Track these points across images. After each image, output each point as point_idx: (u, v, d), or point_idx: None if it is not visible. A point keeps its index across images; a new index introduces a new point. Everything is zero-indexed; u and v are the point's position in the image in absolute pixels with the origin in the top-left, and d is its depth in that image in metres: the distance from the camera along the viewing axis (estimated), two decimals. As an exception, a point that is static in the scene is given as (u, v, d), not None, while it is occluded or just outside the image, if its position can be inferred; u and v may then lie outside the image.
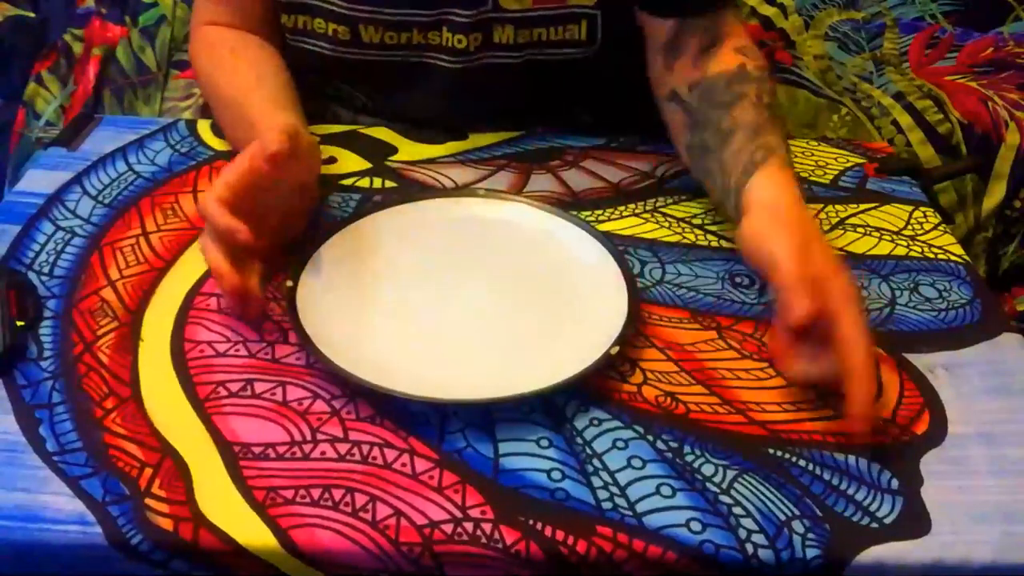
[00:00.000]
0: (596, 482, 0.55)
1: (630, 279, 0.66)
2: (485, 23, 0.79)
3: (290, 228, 0.70)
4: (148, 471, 0.54)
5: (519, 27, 0.79)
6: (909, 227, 0.78)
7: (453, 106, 0.86)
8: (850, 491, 0.55)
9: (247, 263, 0.64)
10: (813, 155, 0.88)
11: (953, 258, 0.75)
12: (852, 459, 0.57)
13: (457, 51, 0.80)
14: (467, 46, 0.80)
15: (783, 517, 0.53)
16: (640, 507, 0.53)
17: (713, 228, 0.77)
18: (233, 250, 0.62)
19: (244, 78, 0.78)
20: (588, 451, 0.56)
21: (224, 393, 0.59)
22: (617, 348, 0.60)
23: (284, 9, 0.81)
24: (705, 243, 0.75)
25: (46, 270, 0.69)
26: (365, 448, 0.56)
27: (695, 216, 0.78)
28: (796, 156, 0.87)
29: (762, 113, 0.71)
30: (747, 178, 0.66)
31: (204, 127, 0.87)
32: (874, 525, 0.53)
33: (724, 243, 0.75)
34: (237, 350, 0.62)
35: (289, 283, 0.65)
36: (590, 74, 0.83)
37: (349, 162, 0.82)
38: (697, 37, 0.77)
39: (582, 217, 0.74)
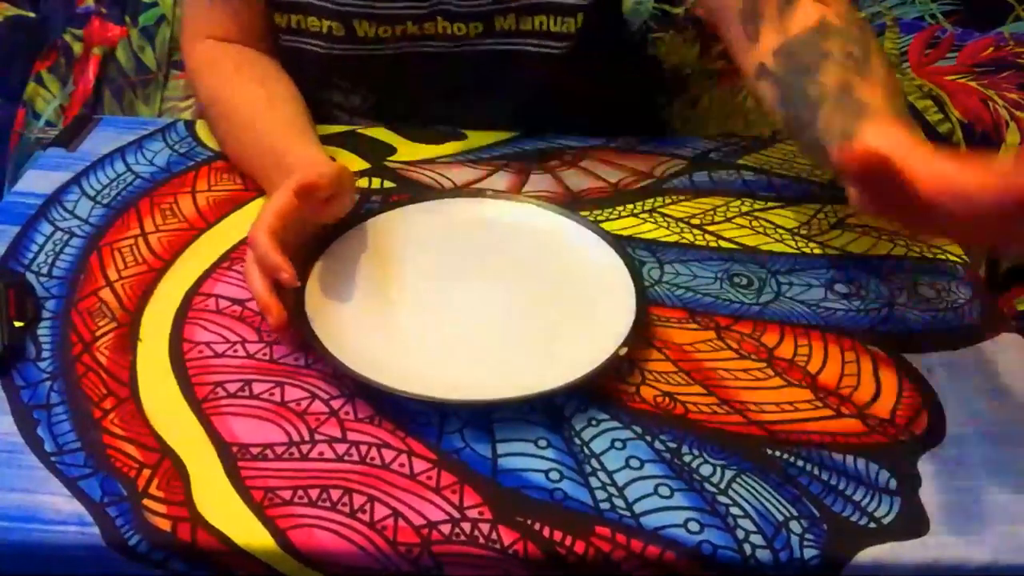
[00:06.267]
0: (594, 482, 0.55)
1: (638, 281, 0.66)
2: (488, 13, 0.79)
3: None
4: (146, 471, 0.54)
5: (521, 15, 0.80)
6: (908, 227, 0.78)
7: (447, 101, 0.86)
8: (848, 491, 0.55)
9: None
10: (812, 155, 0.88)
11: (951, 258, 0.74)
12: (850, 459, 0.57)
13: (456, 38, 0.80)
14: (467, 33, 0.80)
15: (781, 517, 0.53)
16: (638, 507, 0.53)
17: (712, 228, 0.76)
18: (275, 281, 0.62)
19: (255, 97, 0.78)
20: (586, 451, 0.56)
21: (222, 394, 0.59)
22: (626, 349, 0.60)
23: (277, 8, 0.81)
24: (703, 243, 0.75)
25: (45, 270, 0.69)
26: (363, 448, 0.56)
27: (693, 216, 0.78)
28: (795, 156, 0.87)
29: (849, 70, 0.62)
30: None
31: (203, 128, 0.87)
32: (872, 525, 0.53)
33: (723, 243, 0.75)
34: (235, 350, 0.62)
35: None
36: (576, 74, 0.84)
37: (348, 162, 0.82)
38: None
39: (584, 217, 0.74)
